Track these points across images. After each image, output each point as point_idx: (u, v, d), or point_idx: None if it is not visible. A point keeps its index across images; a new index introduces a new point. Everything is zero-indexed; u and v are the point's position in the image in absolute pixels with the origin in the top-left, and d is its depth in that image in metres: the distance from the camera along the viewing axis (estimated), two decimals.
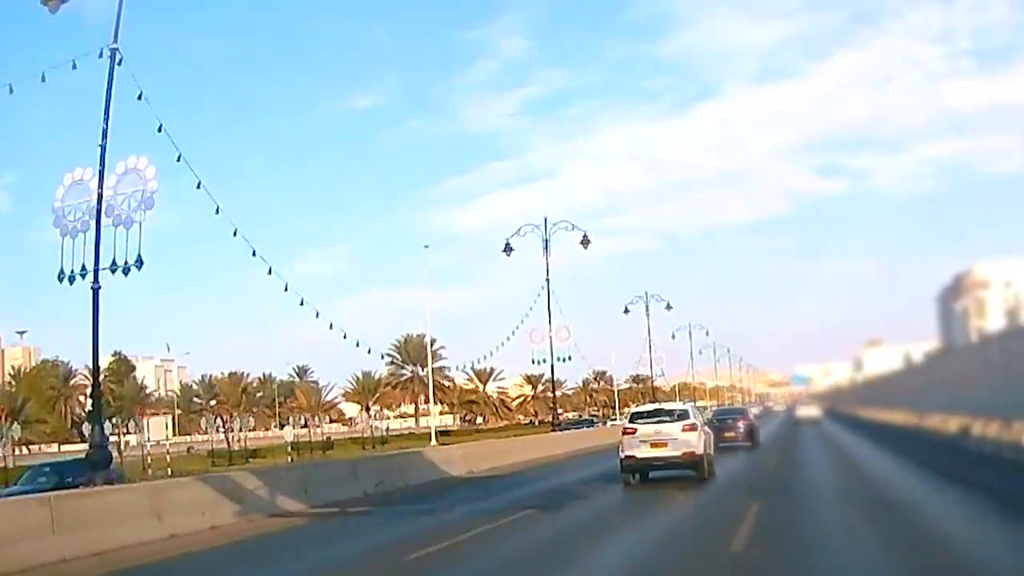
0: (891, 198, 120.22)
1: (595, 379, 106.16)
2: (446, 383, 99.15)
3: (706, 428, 21.11)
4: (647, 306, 64.26)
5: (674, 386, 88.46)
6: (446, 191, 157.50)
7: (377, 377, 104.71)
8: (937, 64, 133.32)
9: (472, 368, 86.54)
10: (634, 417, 20.48)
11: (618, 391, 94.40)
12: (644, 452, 19.03)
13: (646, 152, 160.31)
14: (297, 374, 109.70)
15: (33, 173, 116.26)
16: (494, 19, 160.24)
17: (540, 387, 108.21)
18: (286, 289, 22.16)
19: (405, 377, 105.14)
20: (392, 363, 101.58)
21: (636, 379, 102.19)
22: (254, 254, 20.48)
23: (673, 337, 77.09)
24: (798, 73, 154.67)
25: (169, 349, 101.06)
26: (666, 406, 22.03)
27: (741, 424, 32.33)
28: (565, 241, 40.53)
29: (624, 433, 19.68)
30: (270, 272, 21.33)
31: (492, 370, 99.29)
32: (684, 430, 19.01)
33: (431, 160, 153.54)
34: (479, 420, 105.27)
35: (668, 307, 64.91)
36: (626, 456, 19.19)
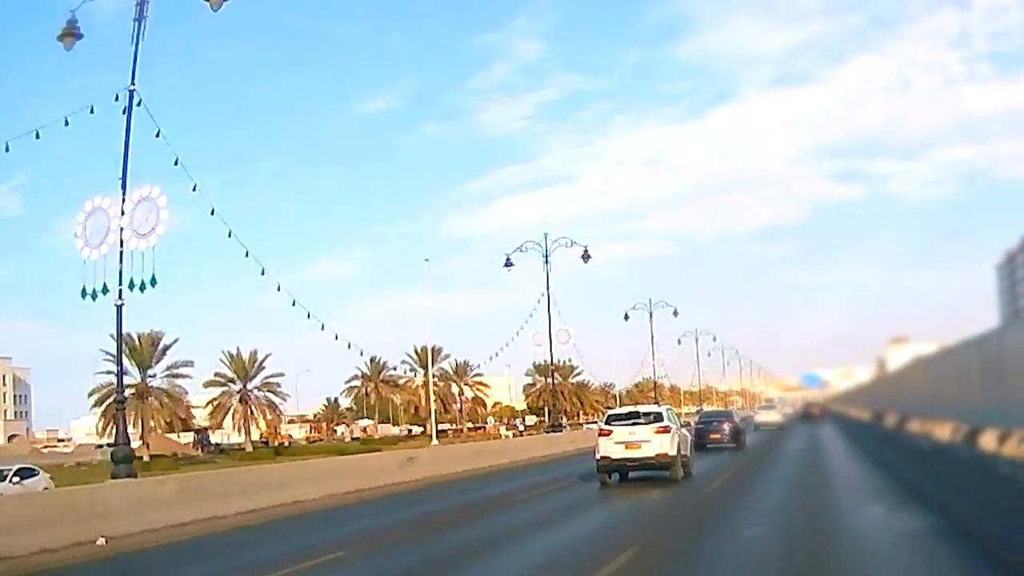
0: (909, 203, 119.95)
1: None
2: None
3: (682, 431, 21.76)
4: (651, 313, 65.08)
5: (630, 388, 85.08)
6: (463, 195, 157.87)
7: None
8: (954, 69, 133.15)
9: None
10: (610, 419, 21.27)
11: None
12: (618, 453, 19.75)
13: (663, 156, 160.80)
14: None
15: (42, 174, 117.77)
16: (509, 22, 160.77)
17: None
18: (294, 304, 23.79)
19: None
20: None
21: (542, 369, 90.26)
22: (263, 273, 22.42)
23: (679, 343, 77.69)
24: (815, 78, 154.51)
25: None
26: (641, 408, 22.80)
27: (727, 426, 33.33)
28: (576, 244, 41.57)
29: (600, 435, 20.40)
30: (279, 289, 23.30)
31: (384, 364, 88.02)
32: (657, 432, 19.68)
33: (447, 164, 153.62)
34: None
35: (675, 313, 65.86)
36: (601, 457, 19.97)
